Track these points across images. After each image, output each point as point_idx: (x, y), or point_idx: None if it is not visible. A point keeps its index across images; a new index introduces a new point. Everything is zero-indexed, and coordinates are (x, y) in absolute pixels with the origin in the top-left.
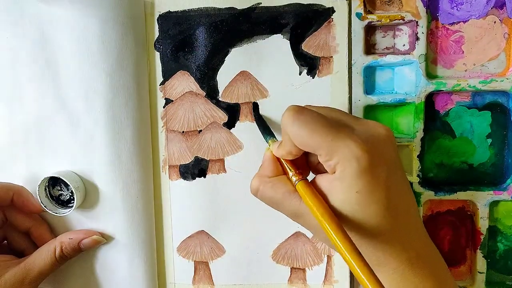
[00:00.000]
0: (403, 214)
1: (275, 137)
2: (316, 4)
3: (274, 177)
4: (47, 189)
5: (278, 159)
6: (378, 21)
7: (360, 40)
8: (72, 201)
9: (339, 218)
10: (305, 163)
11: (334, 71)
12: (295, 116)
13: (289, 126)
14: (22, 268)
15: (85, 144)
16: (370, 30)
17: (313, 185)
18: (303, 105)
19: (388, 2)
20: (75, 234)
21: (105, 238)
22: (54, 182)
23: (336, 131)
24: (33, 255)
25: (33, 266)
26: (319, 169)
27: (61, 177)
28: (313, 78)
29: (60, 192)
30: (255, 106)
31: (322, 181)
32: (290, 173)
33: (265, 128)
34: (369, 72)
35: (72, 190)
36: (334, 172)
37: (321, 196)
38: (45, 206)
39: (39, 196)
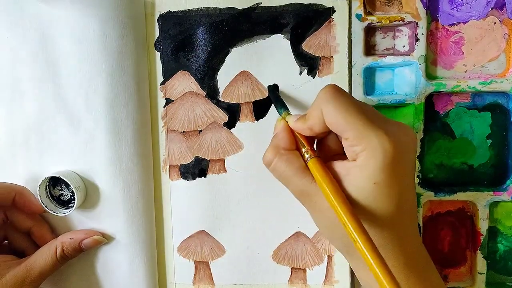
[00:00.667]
0: (408, 214)
1: (288, 110)
2: (316, 4)
3: (289, 151)
4: (48, 189)
5: (292, 132)
6: (378, 22)
7: (360, 41)
8: (72, 201)
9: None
10: (312, 145)
11: (334, 71)
12: (335, 93)
13: (325, 102)
14: (23, 268)
15: (86, 144)
16: (370, 31)
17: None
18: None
19: (388, 3)
20: (76, 234)
21: (106, 238)
22: (54, 182)
23: (370, 119)
24: (34, 255)
25: (34, 266)
26: (330, 158)
27: (61, 177)
28: (313, 78)
29: (61, 192)
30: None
31: (337, 166)
32: (303, 149)
33: (279, 99)
34: (369, 73)
35: (72, 190)
36: (355, 160)
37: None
38: (45, 206)
39: (40, 196)
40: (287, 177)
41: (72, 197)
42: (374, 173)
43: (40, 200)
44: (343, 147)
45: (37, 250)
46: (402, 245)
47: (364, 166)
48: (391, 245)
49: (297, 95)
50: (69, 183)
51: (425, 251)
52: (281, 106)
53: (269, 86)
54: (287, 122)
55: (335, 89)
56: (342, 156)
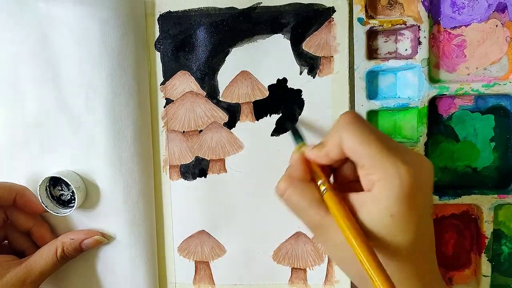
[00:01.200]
0: (426, 247)
1: (305, 142)
2: (316, 3)
3: (303, 181)
4: (48, 189)
5: (307, 164)
6: (380, 26)
7: (362, 45)
8: (73, 201)
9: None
10: (329, 175)
11: (335, 71)
12: (355, 119)
13: (344, 126)
14: (24, 268)
15: (86, 144)
16: (372, 35)
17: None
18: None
19: (390, 7)
20: (76, 234)
21: (106, 238)
22: (55, 182)
23: (388, 148)
24: (34, 255)
25: (35, 266)
26: (347, 186)
27: (62, 177)
28: (313, 77)
29: (61, 192)
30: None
31: (352, 198)
32: (320, 181)
33: (297, 132)
34: (372, 77)
35: (73, 190)
36: (370, 190)
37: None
38: (46, 206)
39: (40, 196)
40: (301, 209)
41: (73, 197)
42: (390, 205)
43: (40, 200)
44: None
45: (38, 251)
46: (420, 279)
47: (380, 197)
48: (411, 280)
49: (297, 95)
50: (70, 183)
51: (441, 279)
52: (298, 137)
53: (290, 124)
54: (302, 153)
55: (355, 116)
56: (357, 184)
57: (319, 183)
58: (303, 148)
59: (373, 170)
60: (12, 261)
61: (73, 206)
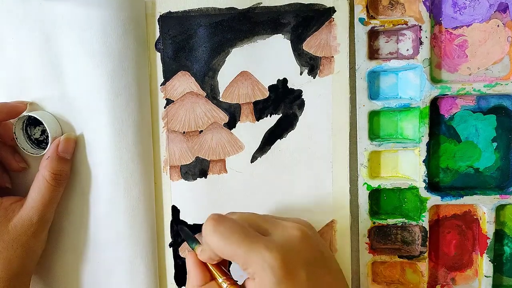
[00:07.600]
0: None
1: (199, 243)
2: (317, 3)
3: (205, 285)
4: (25, 126)
5: (205, 264)
6: (381, 26)
7: (364, 45)
8: (44, 143)
9: None
10: (226, 271)
11: (335, 71)
12: (215, 225)
13: (208, 236)
14: (26, 207)
15: (87, 145)
16: (373, 35)
17: None
18: (223, 214)
19: (391, 7)
20: (49, 150)
21: (107, 239)
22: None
23: (250, 241)
24: (29, 194)
25: (34, 202)
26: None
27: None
28: (314, 78)
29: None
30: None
31: (249, 286)
32: (220, 279)
33: (190, 235)
34: (373, 77)
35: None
36: (255, 279)
37: None
38: (16, 139)
39: (15, 127)
40: None
41: (46, 141)
42: None
43: (13, 130)
44: None
45: (30, 189)
46: None
47: (262, 285)
48: None
49: (297, 95)
50: (49, 133)
51: None
52: (193, 241)
53: (180, 226)
54: (195, 257)
55: (214, 220)
56: None
57: (220, 281)
58: (196, 249)
59: (246, 265)
60: (16, 203)
61: (45, 147)
